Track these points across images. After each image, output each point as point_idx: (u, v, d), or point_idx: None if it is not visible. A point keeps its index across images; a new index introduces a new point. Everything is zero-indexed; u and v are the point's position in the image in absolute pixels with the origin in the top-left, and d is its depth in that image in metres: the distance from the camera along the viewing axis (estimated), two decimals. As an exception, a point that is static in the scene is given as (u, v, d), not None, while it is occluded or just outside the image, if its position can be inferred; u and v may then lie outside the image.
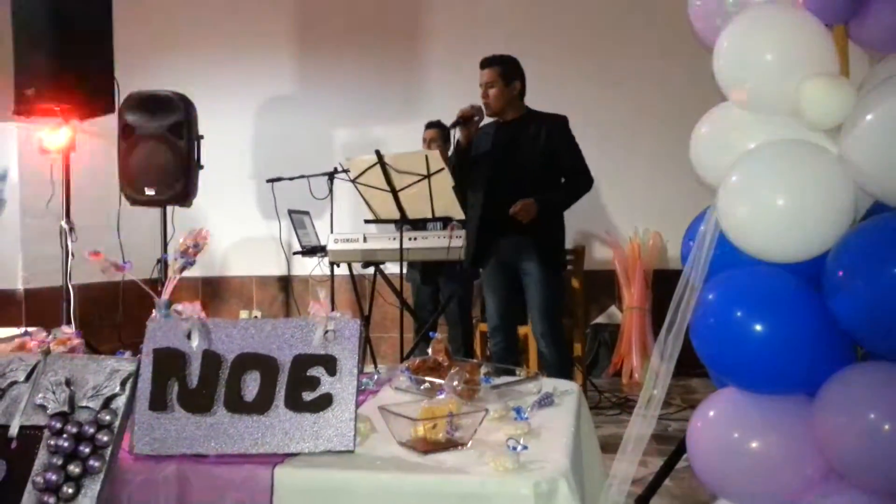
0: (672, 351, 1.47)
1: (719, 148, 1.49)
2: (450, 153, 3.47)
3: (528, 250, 3.22)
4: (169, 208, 4.08)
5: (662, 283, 4.68)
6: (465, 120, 3.21)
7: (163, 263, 3.78)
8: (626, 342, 4.75)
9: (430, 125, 4.25)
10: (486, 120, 3.36)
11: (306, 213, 4.49)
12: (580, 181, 3.30)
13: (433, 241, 3.44)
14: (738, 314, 1.37)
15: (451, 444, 1.41)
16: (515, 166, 3.24)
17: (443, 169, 3.11)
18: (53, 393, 1.34)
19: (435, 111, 4.31)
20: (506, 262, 3.30)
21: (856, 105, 1.28)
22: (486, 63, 3.29)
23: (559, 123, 3.29)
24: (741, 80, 1.39)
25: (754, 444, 1.39)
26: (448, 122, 3.35)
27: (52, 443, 1.30)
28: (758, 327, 1.34)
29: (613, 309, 5.01)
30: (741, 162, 1.39)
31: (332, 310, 1.48)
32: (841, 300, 1.28)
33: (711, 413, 1.48)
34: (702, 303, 1.43)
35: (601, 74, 5.03)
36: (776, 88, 1.35)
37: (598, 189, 4.91)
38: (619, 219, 5.05)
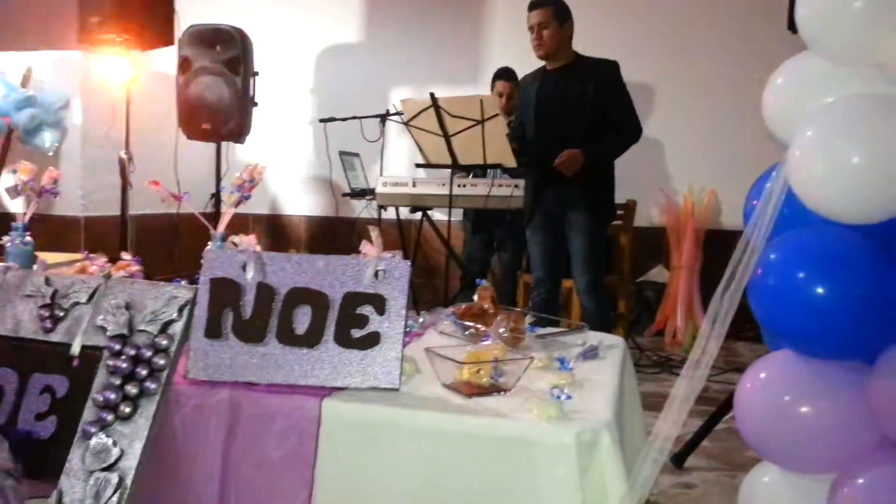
0: (727, 311, 1.43)
1: (795, 101, 1.41)
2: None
3: (576, 201, 3.16)
4: (223, 145, 4.14)
5: (714, 244, 4.57)
6: None
7: (217, 197, 3.85)
8: (671, 302, 4.68)
9: (499, 75, 4.11)
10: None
11: (357, 154, 4.49)
12: (628, 131, 3.20)
13: (482, 189, 3.41)
14: (801, 275, 1.32)
15: (494, 389, 1.42)
16: (563, 116, 3.16)
17: (497, 115, 3.06)
18: (113, 315, 1.38)
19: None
20: (551, 213, 3.25)
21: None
22: (537, 3, 3.17)
23: (610, 70, 3.17)
24: (826, 28, 1.31)
25: (806, 409, 1.35)
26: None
27: (112, 363, 1.35)
28: (821, 289, 1.29)
29: (660, 267, 4.93)
30: (818, 116, 1.32)
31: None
32: (913, 266, 1.22)
33: (763, 375, 1.45)
34: (763, 262, 1.38)
35: (660, 16, 4.80)
36: (863, 38, 1.27)
37: (653, 142, 4.77)
38: (674, 174, 4.90)
